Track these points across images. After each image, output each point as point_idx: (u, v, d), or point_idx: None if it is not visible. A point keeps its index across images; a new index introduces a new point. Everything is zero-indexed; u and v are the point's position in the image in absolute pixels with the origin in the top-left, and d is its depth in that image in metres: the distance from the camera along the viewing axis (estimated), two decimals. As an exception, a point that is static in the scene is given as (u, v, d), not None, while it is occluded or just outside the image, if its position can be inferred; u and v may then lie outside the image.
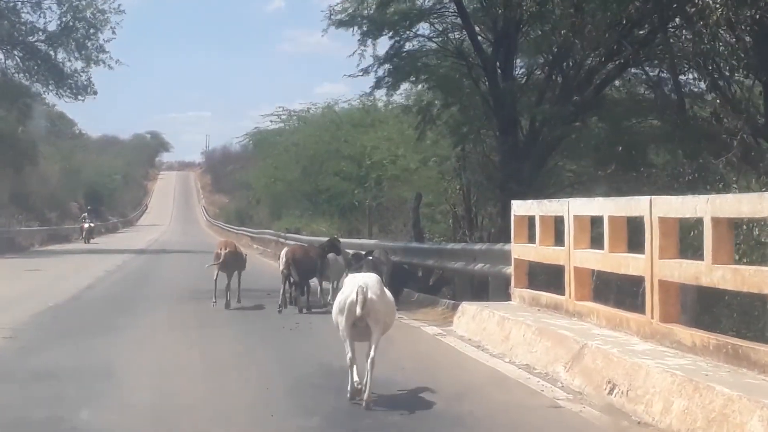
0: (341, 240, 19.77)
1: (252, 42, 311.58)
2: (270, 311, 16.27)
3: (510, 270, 13.86)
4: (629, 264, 10.06)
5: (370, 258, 12.41)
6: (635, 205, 9.88)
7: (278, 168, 51.90)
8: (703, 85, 18.41)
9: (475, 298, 17.32)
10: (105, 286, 21.47)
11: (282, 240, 40.49)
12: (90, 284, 21.65)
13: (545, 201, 12.56)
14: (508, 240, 20.88)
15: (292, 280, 16.65)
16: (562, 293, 12.04)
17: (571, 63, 20.59)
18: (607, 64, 19.94)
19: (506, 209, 21.49)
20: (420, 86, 25.06)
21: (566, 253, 11.59)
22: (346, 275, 10.65)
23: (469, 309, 13.20)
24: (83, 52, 42.05)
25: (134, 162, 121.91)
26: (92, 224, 56.12)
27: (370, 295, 8.09)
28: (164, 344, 12.04)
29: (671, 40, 17.32)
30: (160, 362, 10.60)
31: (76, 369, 9.92)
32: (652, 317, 9.45)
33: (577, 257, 11.36)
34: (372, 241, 24.48)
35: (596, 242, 11.25)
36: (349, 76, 22.05)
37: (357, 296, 8.00)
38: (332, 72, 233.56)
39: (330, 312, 8.76)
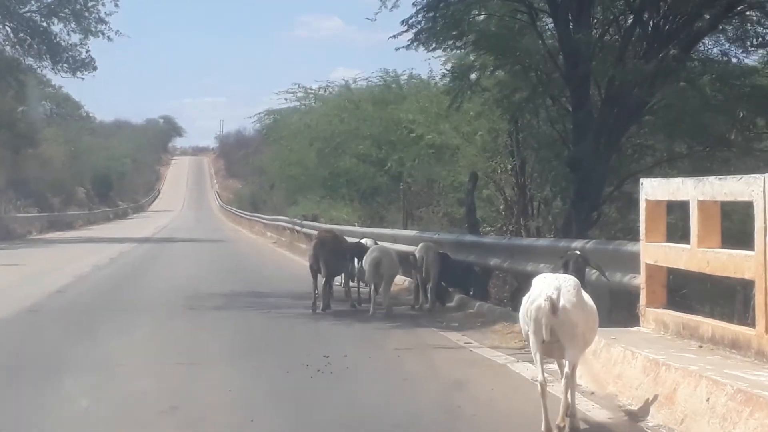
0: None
1: (267, 27, 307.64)
2: (287, 332, 11.76)
3: (637, 281, 9.31)
4: None
5: (577, 253, 8.06)
6: None
7: (293, 150, 47.41)
8: None
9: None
10: (82, 289, 16.93)
11: (298, 228, 36.04)
12: (64, 286, 17.14)
13: (711, 179, 7.99)
14: (579, 232, 16.47)
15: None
16: (737, 320, 7.58)
17: (662, 8, 15.98)
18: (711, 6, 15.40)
19: (582, 193, 17.07)
20: (461, 50, 20.33)
21: (760, 261, 7.04)
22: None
23: (585, 341, 8.62)
24: (82, 23, 37.59)
25: (146, 147, 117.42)
26: None
27: (562, 302, 6.48)
28: (113, 408, 7.42)
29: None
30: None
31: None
32: None
33: (786, 269, 6.82)
34: (411, 233, 19.87)
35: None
36: (393, 37, 17.30)
37: (544, 304, 6.44)
38: (348, 57, 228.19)
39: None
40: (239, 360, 9.48)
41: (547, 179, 19.23)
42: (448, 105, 20.39)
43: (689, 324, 8.25)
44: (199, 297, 15.28)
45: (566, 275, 6.93)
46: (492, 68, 18.86)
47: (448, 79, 20.75)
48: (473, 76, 19.11)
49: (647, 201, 8.92)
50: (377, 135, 37.40)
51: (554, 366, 7.13)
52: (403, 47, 17.35)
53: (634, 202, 20.16)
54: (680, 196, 8.36)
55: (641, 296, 9.01)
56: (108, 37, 37.14)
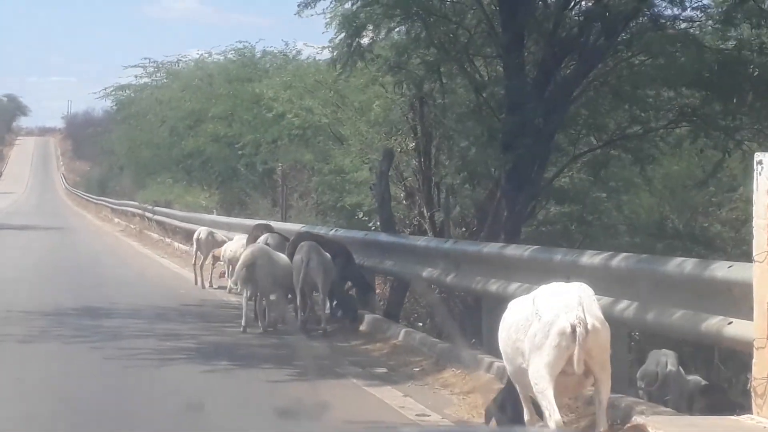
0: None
1: (117, 4, 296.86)
2: (130, 394, 7.40)
3: (738, 331, 5.37)
4: None
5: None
6: None
7: (143, 130, 42.54)
8: None
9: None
10: None
11: (149, 215, 31.32)
12: None
13: None
14: (512, 228, 12.56)
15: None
16: None
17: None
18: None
19: (517, 179, 13.15)
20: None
21: None
22: None
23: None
24: None
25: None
26: None
27: (591, 321, 4.89)
28: None
29: None
30: None
31: None
32: None
33: None
34: (294, 226, 15.51)
35: None
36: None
37: (577, 327, 4.84)
38: (202, 38, 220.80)
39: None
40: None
41: (460, 161, 15.23)
42: (336, 75, 16.43)
43: None
44: (8, 318, 10.68)
45: (579, 283, 5.22)
46: (386, 29, 14.85)
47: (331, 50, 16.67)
48: (364, 40, 14.97)
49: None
50: (227, 113, 33.01)
51: None
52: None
53: (559, 193, 16.42)
54: None
55: (755, 361, 5.04)
56: None
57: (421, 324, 13.79)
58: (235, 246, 14.89)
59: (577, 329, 4.87)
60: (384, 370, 8.32)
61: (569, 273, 6.88)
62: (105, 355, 8.64)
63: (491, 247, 8.55)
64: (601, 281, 6.52)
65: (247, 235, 15.14)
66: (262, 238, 11.87)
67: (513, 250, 7.99)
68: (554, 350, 4.94)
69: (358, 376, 8.00)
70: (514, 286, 7.71)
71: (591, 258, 6.81)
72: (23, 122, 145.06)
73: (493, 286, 8.14)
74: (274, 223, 16.46)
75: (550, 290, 5.20)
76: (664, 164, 16.04)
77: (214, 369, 8.22)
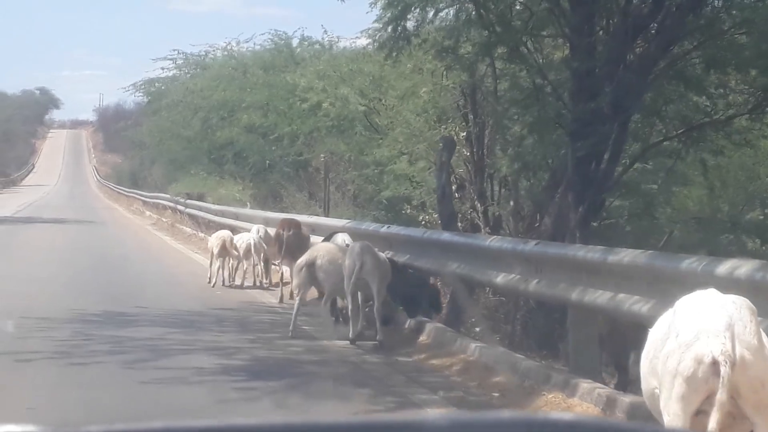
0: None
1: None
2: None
3: None
4: None
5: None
6: None
7: (174, 122, 41.39)
8: None
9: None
10: None
11: (181, 208, 30.13)
12: None
13: None
14: (581, 225, 11.23)
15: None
16: None
17: None
18: None
19: (585, 171, 11.79)
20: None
21: None
22: None
23: None
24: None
25: (20, 119, 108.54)
26: None
27: (739, 351, 3.87)
28: None
29: None
30: None
31: None
32: None
33: None
34: (339, 222, 14.15)
35: None
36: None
37: (716, 359, 3.85)
38: (230, 31, 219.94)
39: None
40: None
41: (514, 150, 13.90)
42: (384, 58, 15.16)
43: None
44: (23, 327, 9.30)
45: (734, 297, 4.12)
46: (434, 10, 13.54)
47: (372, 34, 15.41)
48: (410, 24, 13.66)
49: None
50: (263, 102, 31.80)
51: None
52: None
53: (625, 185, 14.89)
54: None
55: None
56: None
57: (477, 329, 12.53)
58: (212, 239, 14.35)
59: (722, 367, 3.84)
60: (460, 394, 7.01)
61: (698, 286, 5.54)
62: (142, 379, 7.30)
63: (589, 251, 7.13)
64: (746, 296, 5.18)
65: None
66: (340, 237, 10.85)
67: (621, 256, 6.58)
68: (687, 382, 3.93)
69: (433, 404, 6.70)
70: (620, 297, 6.38)
71: (731, 268, 5.45)
72: (55, 115, 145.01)
73: (590, 296, 6.79)
74: (313, 219, 15.27)
75: (697, 301, 4.18)
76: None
77: (265, 393, 6.94)
